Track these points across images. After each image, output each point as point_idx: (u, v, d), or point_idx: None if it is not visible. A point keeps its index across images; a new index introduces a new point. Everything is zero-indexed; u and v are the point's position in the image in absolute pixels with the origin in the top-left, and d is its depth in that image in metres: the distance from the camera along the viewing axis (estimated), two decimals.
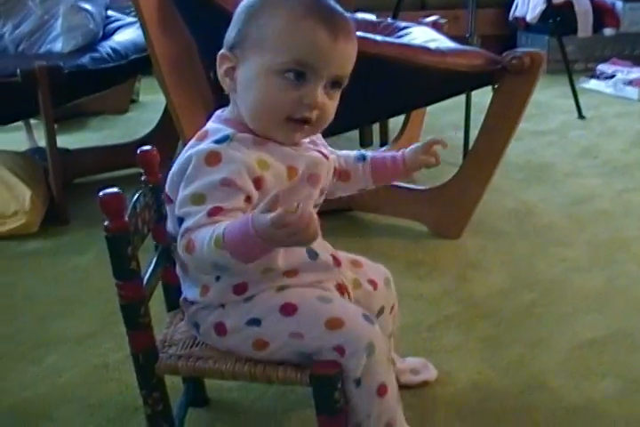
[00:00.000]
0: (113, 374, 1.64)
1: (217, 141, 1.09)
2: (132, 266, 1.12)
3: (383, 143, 3.07)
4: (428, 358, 1.54)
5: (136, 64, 2.71)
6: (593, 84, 4.50)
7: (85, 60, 2.57)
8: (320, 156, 1.19)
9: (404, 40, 2.42)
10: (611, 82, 4.42)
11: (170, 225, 1.17)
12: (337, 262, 1.25)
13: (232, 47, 1.11)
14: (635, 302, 1.94)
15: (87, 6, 2.77)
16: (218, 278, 1.16)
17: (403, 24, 2.64)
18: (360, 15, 2.88)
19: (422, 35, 2.45)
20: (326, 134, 1.22)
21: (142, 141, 2.94)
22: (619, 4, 5.13)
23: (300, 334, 1.14)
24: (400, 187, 2.36)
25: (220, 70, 1.12)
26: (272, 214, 0.93)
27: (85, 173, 2.94)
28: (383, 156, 1.34)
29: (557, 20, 4.23)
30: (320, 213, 1.03)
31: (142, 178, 1.31)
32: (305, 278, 1.19)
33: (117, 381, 1.62)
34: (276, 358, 1.17)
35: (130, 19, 2.97)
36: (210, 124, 1.16)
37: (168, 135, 2.66)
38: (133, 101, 4.21)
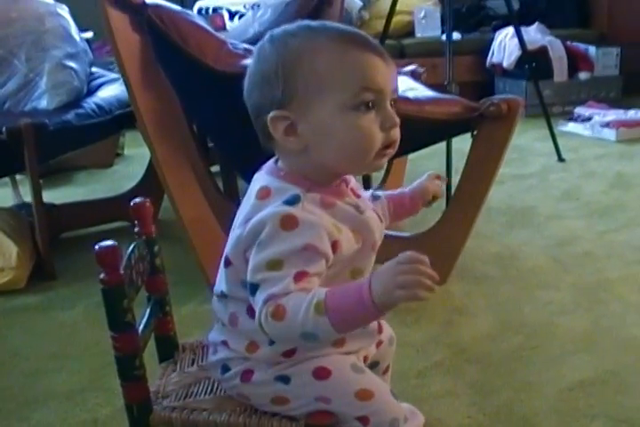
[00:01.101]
0: None
1: (288, 203, 1.04)
2: (128, 318, 1.13)
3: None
4: (418, 405, 1.54)
5: (120, 119, 2.74)
6: (571, 126, 4.57)
7: (70, 116, 2.61)
8: (377, 219, 1.18)
9: None
10: (588, 124, 4.49)
11: (224, 287, 1.14)
12: (380, 329, 1.25)
13: (282, 105, 1.05)
14: (621, 342, 1.96)
15: (72, 64, 2.82)
16: (272, 342, 1.13)
17: None
18: None
19: (401, 84, 2.49)
20: None
21: (128, 195, 2.96)
22: (592, 49, 5.24)
23: (327, 398, 1.14)
24: (384, 234, 2.38)
25: (278, 133, 1.06)
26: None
27: (72, 228, 2.95)
28: (398, 193, 1.34)
29: (533, 66, 4.32)
30: None
31: (135, 230, 1.32)
32: (350, 348, 1.19)
33: None
34: (285, 414, 1.17)
35: (113, 75, 3.01)
36: (268, 181, 1.11)
37: (153, 188, 2.68)
38: (118, 155, 4.24)
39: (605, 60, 5.23)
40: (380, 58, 1.06)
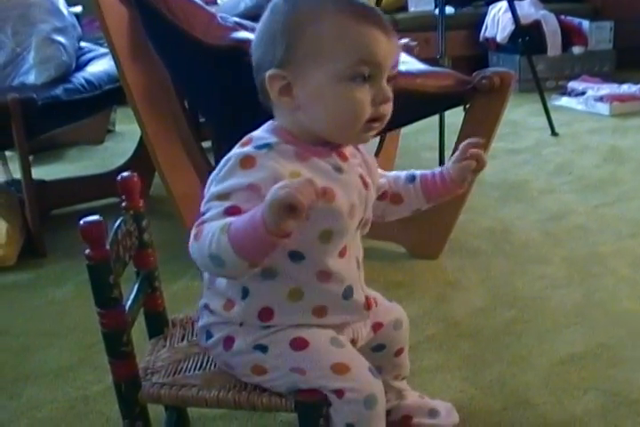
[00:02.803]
0: (93, 407, 1.63)
1: (257, 147, 1.09)
2: (114, 294, 1.13)
3: None
4: (410, 379, 1.54)
5: (110, 95, 2.71)
6: (564, 101, 4.55)
7: (59, 91, 2.58)
8: (360, 183, 1.17)
9: None
10: (582, 98, 4.47)
11: None
12: (368, 305, 1.24)
13: (281, 65, 1.08)
14: (613, 316, 1.96)
15: (60, 38, 2.78)
16: (245, 296, 1.15)
17: None
18: None
19: None
20: None
21: (119, 171, 2.93)
22: (585, 24, 5.20)
23: (302, 369, 1.14)
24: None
25: (274, 91, 1.09)
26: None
27: (62, 205, 2.93)
28: (433, 173, 1.31)
29: (527, 40, 4.30)
30: None
31: (123, 204, 1.30)
32: (332, 320, 1.19)
33: (98, 413, 1.60)
34: (266, 385, 1.17)
35: (103, 50, 2.97)
36: (257, 131, 1.15)
37: (145, 165, 2.66)
38: (110, 131, 4.21)
39: (599, 34, 5.19)
40: (383, 33, 1.08)
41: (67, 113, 2.65)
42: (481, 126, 2.17)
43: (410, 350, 1.79)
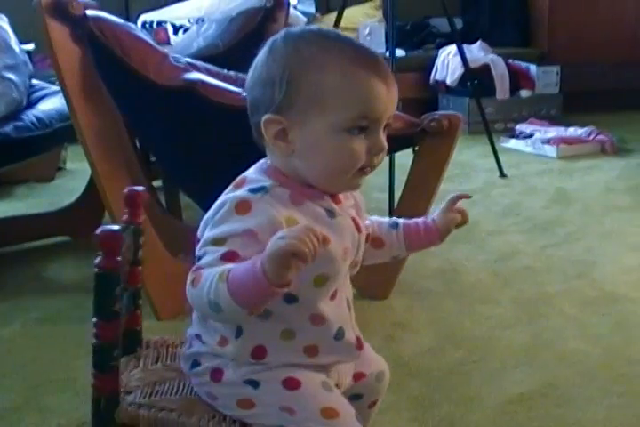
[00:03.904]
0: None
1: (252, 191, 1.08)
2: (116, 307, 1.12)
3: None
4: None
5: (61, 133, 2.70)
6: (513, 143, 4.64)
7: (9, 129, 2.56)
8: (353, 226, 1.17)
9: None
10: (530, 141, 4.56)
11: None
12: (359, 346, 1.23)
13: (278, 110, 1.07)
14: (560, 355, 1.98)
15: (11, 75, 2.77)
16: (238, 335, 1.14)
17: None
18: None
19: None
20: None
21: (68, 209, 2.92)
22: (533, 68, 5.33)
23: (292, 409, 1.13)
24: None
25: (269, 135, 1.09)
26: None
27: (9, 243, 2.89)
28: (415, 222, 1.31)
29: (476, 84, 4.38)
30: None
31: (124, 217, 1.30)
32: (324, 360, 1.18)
33: None
34: (248, 420, 1.16)
35: (54, 87, 2.96)
36: (249, 172, 1.14)
37: (95, 203, 2.64)
38: (60, 169, 4.17)
39: (546, 78, 5.32)
40: (385, 84, 1.08)
41: (17, 151, 2.63)
42: (430, 168, 2.21)
43: None
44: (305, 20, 5.34)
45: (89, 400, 1.25)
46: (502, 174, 3.95)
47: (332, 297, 1.17)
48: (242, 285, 0.97)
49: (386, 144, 1.10)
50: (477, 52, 5.26)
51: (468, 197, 1.30)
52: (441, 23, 5.45)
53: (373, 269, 2.35)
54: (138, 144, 2.39)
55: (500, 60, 5.25)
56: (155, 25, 4.22)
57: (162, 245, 2.22)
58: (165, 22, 4.19)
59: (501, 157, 3.99)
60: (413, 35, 5.72)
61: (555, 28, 5.80)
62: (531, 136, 4.62)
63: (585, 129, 4.57)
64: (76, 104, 2.15)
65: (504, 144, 4.60)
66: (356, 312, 2.25)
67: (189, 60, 2.22)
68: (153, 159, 2.77)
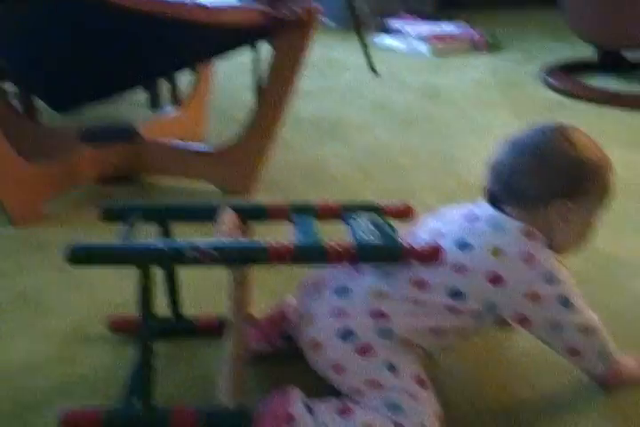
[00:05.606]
0: None
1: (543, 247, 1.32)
2: None
3: (175, 105, 3.01)
4: None
5: None
6: (385, 39, 4.58)
7: None
8: None
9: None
10: (402, 37, 4.52)
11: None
12: None
13: (568, 196, 1.31)
14: None
15: None
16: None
17: None
18: None
19: None
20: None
21: None
22: None
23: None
24: (186, 148, 2.35)
25: (560, 217, 1.32)
26: None
27: None
28: None
29: None
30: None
31: None
32: None
33: None
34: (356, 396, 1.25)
35: None
36: (531, 246, 1.30)
37: None
38: None
39: None
40: None
41: None
42: (287, 62, 2.17)
43: None
44: None
45: None
46: (373, 71, 3.91)
47: None
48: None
49: None
50: None
51: None
52: None
53: (233, 166, 2.33)
54: None
55: None
56: None
57: (13, 149, 2.10)
58: None
59: (375, 54, 3.94)
60: None
61: None
62: (403, 32, 4.56)
63: (457, 26, 4.56)
64: None
65: (379, 41, 4.54)
66: None
67: None
68: None
